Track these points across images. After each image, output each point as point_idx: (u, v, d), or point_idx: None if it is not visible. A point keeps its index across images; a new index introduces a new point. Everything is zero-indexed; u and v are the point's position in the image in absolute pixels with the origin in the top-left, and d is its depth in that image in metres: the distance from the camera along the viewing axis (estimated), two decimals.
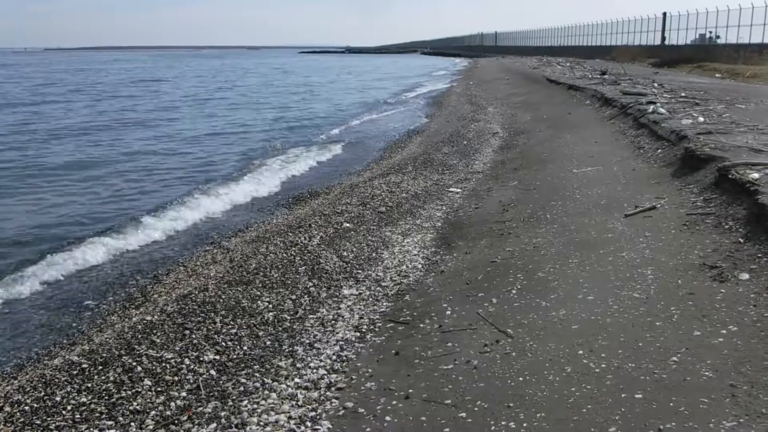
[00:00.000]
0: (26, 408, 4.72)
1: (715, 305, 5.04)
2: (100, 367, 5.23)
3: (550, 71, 36.38)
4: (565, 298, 5.63)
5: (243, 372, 5.14)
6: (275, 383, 4.94)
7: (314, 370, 5.10)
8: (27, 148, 18.86)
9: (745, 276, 5.43)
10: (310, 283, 7.07)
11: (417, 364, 4.94)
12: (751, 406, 3.71)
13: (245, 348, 5.57)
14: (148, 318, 6.22)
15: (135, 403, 4.71)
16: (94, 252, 9.43)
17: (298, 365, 5.22)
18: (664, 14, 52.87)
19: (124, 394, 4.83)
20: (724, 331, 4.62)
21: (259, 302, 6.54)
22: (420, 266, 7.61)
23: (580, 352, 4.62)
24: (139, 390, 4.89)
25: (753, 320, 4.71)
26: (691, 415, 3.71)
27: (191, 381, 5.01)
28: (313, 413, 4.45)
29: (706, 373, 4.11)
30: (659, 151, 10.90)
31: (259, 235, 9.27)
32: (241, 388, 4.88)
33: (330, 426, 4.25)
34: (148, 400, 4.75)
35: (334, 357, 5.33)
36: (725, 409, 3.72)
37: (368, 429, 4.14)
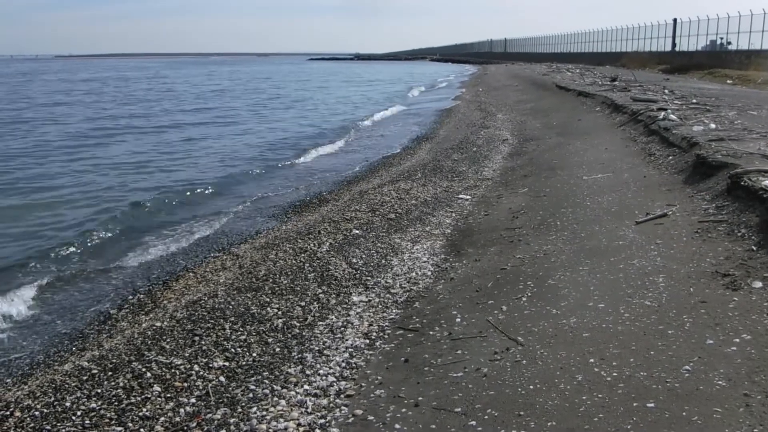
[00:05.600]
0: (36, 413, 4.73)
1: (728, 313, 4.99)
2: (110, 373, 5.24)
3: (559, 78, 36.33)
4: (575, 306, 5.59)
5: (252, 379, 5.13)
6: (284, 390, 4.92)
7: (323, 377, 5.09)
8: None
9: (759, 284, 5.38)
10: (320, 290, 7.06)
11: (427, 371, 4.91)
12: (766, 416, 3.66)
13: (254, 355, 5.56)
14: (158, 324, 6.23)
15: (144, 409, 4.71)
16: (104, 257, 9.48)
17: (308, 372, 5.21)
18: (675, 20, 52.74)
19: (133, 400, 4.83)
20: (738, 340, 4.57)
21: (268, 309, 6.54)
22: (429, 273, 7.59)
23: (591, 360, 4.58)
24: (149, 396, 4.89)
25: (767, 329, 4.66)
26: (705, 425, 3.66)
27: (200, 387, 5.01)
28: (323, 420, 4.43)
29: (720, 382, 4.07)
30: (670, 158, 10.84)
31: (269, 241, 9.28)
32: (251, 395, 4.87)
33: None
34: (158, 406, 4.75)
35: (344, 364, 5.32)
36: (739, 418, 3.68)
37: None
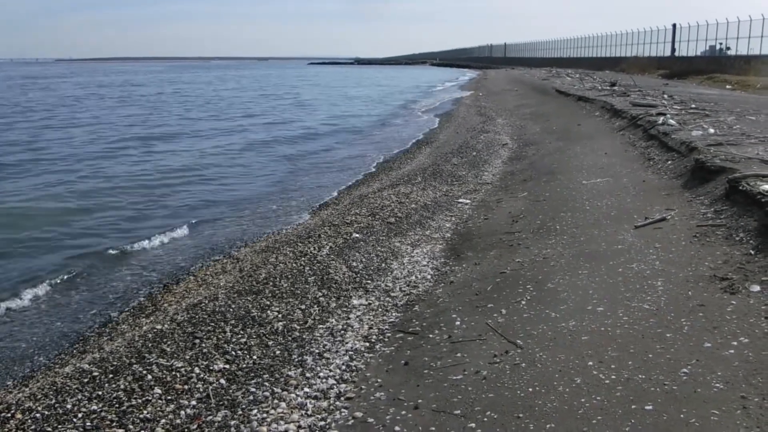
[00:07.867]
0: (37, 415, 4.75)
1: (726, 317, 5.01)
2: (111, 375, 5.26)
3: (559, 83, 36.40)
4: (574, 309, 5.61)
5: (253, 381, 5.16)
6: (285, 392, 4.95)
7: (324, 380, 5.12)
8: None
9: (756, 288, 5.40)
10: (320, 293, 7.09)
11: (426, 374, 4.94)
12: (763, 418, 3.69)
13: (255, 357, 5.59)
14: (159, 327, 6.25)
15: (145, 411, 4.73)
16: (104, 261, 9.51)
17: (308, 375, 5.24)
18: (674, 26, 52.82)
19: (134, 402, 4.85)
20: (735, 343, 4.59)
21: (268, 312, 6.56)
22: (429, 277, 7.62)
23: (590, 363, 4.61)
24: (150, 398, 4.91)
25: (764, 332, 4.69)
26: (702, 427, 3.69)
27: (201, 390, 5.04)
28: (323, 423, 4.46)
29: (717, 385, 4.09)
30: (669, 162, 10.88)
31: (269, 245, 9.31)
32: (251, 397, 4.89)
33: None
34: (159, 409, 4.77)
35: (344, 367, 5.34)
36: (736, 421, 3.70)
37: None
